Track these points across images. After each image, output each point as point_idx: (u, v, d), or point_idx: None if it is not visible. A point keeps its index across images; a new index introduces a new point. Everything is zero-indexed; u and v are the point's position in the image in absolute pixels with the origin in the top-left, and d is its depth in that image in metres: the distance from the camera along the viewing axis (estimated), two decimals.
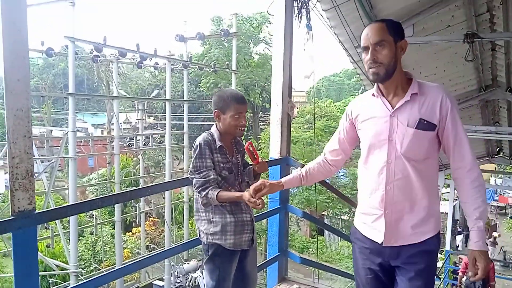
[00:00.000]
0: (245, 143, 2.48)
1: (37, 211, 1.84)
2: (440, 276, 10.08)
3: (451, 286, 11.19)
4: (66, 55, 11.75)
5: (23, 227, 1.78)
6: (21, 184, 1.75)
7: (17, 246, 1.79)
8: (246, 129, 2.51)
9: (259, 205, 2.12)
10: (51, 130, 17.90)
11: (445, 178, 10.40)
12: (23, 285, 1.81)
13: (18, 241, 1.79)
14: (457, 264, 15.12)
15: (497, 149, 11.10)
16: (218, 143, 2.35)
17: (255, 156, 2.45)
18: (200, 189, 2.27)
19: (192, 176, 2.32)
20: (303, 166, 3.87)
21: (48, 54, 11.73)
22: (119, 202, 2.22)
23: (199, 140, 2.33)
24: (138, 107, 18.87)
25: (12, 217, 1.74)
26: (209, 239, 2.38)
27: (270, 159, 3.73)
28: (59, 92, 27.33)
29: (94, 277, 2.25)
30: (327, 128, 21.23)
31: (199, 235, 2.46)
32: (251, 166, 2.54)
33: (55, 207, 2.40)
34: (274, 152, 3.74)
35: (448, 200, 12.40)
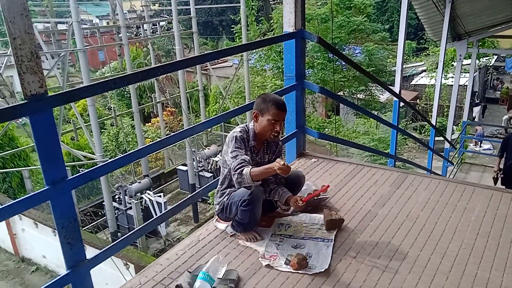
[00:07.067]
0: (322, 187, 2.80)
1: (49, 94, 1.80)
2: (456, 146, 10.24)
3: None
4: None
5: (39, 111, 1.75)
6: (28, 66, 1.67)
7: (36, 131, 1.78)
8: (279, 135, 2.63)
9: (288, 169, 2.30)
10: (56, 23, 17.27)
11: (467, 47, 9.88)
12: (49, 169, 1.84)
13: (36, 125, 1.77)
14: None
15: None
16: (252, 143, 2.58)
17: (314, 197, 2.78)
18: (237, 167, 2.39)
19: (228, 163, 2.48)
20: (319, 38, 3.68)
21: None
22: (131, 83, 2.19)
23: (236, 133, 2.52)
24: None
25: (25, 101, 1.70)
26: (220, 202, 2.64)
27: (284, 33, 3.53)
28: None
29: (119, 157, 2.29)
30: (343, 3, 19.90)
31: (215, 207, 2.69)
32: (289, 195, 2.63)
33: (67, 89, 2.38)
34: (288, 25, 3.51)
35: (468, 72, 12.03)
